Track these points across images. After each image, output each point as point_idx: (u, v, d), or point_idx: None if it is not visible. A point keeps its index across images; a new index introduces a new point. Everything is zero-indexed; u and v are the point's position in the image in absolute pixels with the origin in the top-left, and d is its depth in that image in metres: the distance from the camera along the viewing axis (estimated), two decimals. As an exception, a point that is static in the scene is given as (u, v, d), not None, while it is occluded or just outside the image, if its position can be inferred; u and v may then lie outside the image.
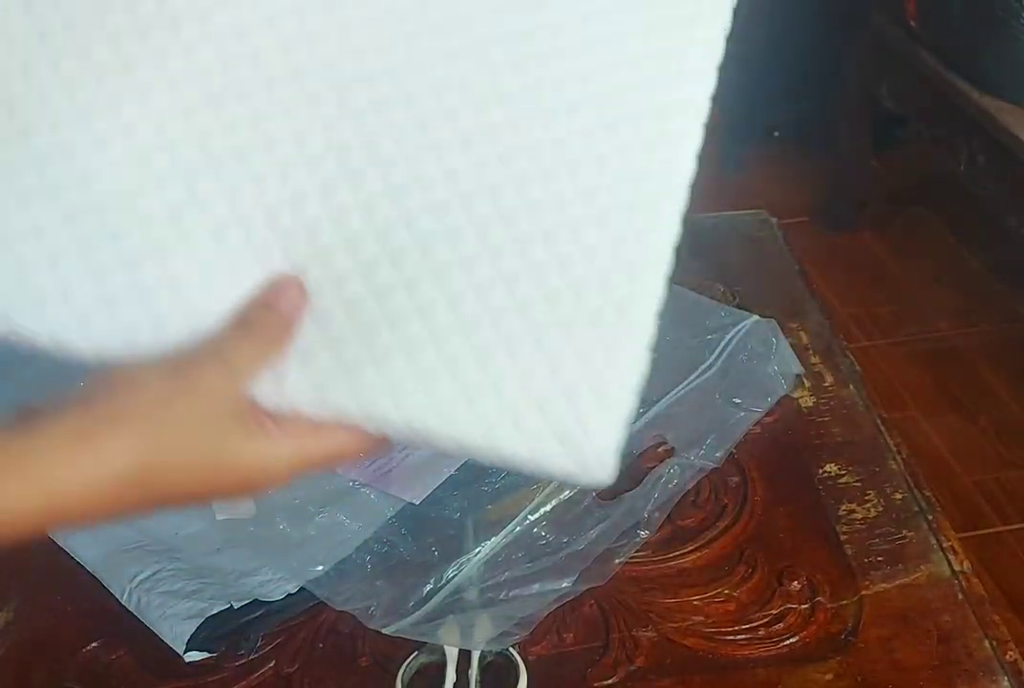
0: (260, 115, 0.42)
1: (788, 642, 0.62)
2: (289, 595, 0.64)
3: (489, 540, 0.66)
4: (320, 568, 0.65)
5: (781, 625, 0.63)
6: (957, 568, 0.66)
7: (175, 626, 0.62)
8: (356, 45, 0.44)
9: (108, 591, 0.65)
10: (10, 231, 0.40)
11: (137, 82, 0.41)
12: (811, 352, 0.82)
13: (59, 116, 0.41)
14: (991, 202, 1.61)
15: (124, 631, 0.63)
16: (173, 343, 0.40)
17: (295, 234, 0.42)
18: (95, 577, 0.66)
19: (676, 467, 0.71)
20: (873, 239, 2.05)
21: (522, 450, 0.40)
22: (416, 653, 0.61)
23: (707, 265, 0.89)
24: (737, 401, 0.76)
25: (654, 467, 0.71)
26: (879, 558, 0.67)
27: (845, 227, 2.07)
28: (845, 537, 0.68)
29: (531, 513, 0.68)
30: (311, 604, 0.64)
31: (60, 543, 0.67)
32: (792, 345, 0.79)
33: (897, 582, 0.65)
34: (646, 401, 0.69)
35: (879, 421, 0.77)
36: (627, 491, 0.69)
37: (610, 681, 0.61)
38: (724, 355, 0.78)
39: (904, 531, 0.68)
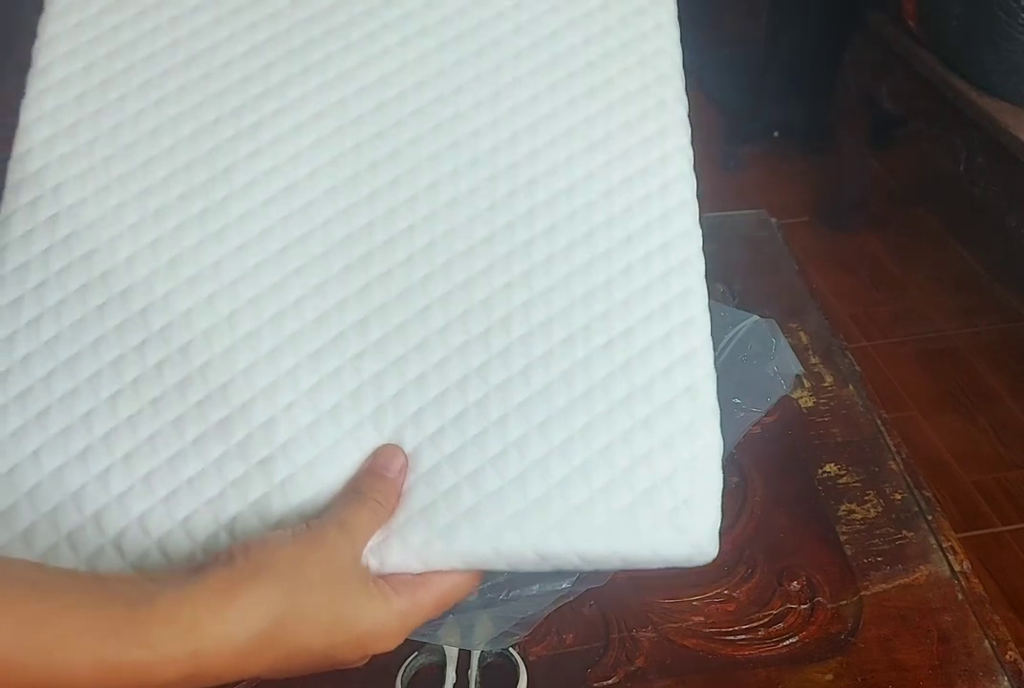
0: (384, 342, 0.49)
1: (788, 642, 0.62)
2: (289, 595, 0.64)
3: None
4: (320, 568, 0.64)
5: (781, 625, 0.63)
6: (957, 568, 0.66)
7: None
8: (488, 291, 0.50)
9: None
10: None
11: None
12: (811, 352, 0.82)
13: None
14: (991, 202, 1.61)
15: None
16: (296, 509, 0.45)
17: (383, 407, 0.47)
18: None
19: (676, 467, 0.70)
20: (873, 239, 2.05)
21: (642, 547, 0.45)
22: (416, 653, 0.60)
23: (707, 265, 0.88)
24: (737, 401, 0.75)
25: (654, 467, 0.71)
26: (879, 558, 0.67)
27: (845, 227, 2.06)
28: (845, 537, 0.68)
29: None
30: (311, 604, 0.64)
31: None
32: (792, 345, 0.78)
33: (897, 582, 0.65)
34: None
35: (879, 421, 0.77)
36: (627, 491, 0.69)
37: (610, 681, 0.60)
38: (723, 355, 0.78)
39: (904, 531, 0.68)
